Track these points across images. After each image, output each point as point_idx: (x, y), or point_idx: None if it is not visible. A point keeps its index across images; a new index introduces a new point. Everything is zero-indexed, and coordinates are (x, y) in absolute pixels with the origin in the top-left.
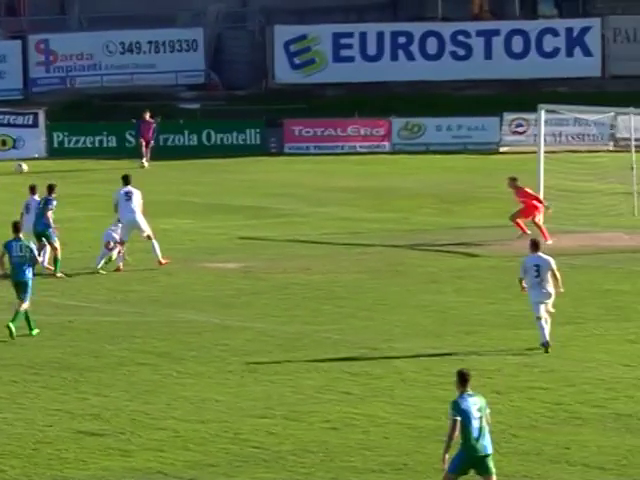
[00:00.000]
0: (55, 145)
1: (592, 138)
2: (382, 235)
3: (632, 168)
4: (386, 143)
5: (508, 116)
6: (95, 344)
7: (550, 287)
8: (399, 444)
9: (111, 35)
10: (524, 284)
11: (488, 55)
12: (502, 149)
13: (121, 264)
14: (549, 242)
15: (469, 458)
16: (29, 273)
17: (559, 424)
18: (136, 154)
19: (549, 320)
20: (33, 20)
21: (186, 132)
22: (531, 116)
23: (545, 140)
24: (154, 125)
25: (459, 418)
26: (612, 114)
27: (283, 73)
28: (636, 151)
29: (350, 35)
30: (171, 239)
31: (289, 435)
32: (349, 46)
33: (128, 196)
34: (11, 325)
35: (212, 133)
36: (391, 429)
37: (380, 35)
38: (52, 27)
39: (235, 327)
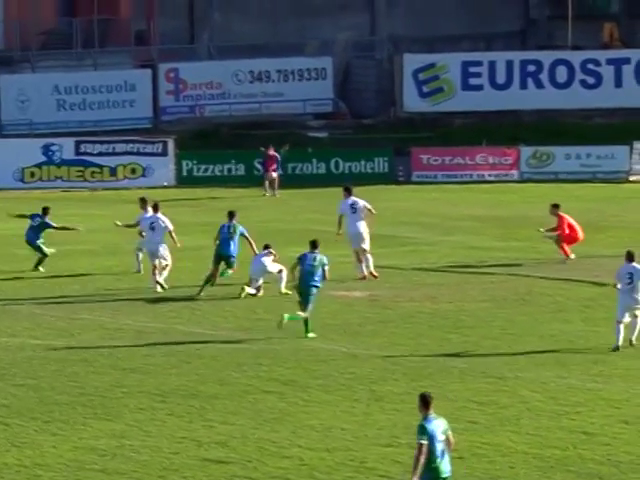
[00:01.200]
0: (184, 173)
1: None
2: (509, 264)
3: None
4: (514, 171)
5: (638, 145)
6: (221, 372)
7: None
8: (525, 474)
9: (240, 64)
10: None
11: (618, 83)
12: (632, 178)
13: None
14: (572, 257)
15: None
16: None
17: None
18: (262, 182)
19: (638, 324)
20: (163, 49)
21: (314, 160)
22: None
23: None
24: (278, 158)
25: (426, 442)
26: None
27: (411, 101)
28: None
29: (479, 63)
30: None
31: None
32: (478, 74)
33: (354, 208)
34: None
35: (340, 161)
36: (517, 459)
37: (509, 63)
38: (182, 56)
39: (361, 355)
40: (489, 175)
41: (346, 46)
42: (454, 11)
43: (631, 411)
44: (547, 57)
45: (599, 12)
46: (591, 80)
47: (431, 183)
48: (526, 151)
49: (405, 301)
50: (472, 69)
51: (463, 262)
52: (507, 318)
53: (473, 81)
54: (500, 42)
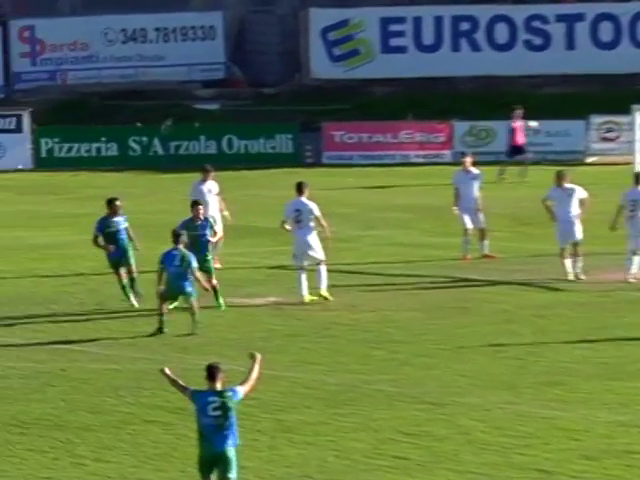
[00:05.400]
0: (43, 154)
1: None
2: (445, 264)
3: None
4: (447, 151)
5: (596, 119)
6: (94, 397)
7: None
8: None
9: (110, 21)
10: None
11: (570, 45)
12: (589, 159)
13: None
14: None
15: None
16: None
17: None
18: (140, 164)
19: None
20: (16, 2)
21: (202, 138)
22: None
23: None
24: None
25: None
26: None
27: (321, 67)
28: None
29: (402, 20)
30: None
31: None
32: (401, 33)
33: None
34: None
35: (234, 139)
36: None
37: (438, 20)
38: (38, 10)
39: (266, 377)
40: (416, 156)
41: None
42: None
43: (594, 444)
44: (484, 12)
45: None
46: (537, 40)
47: (346, 166)
48: (460, 126)
49: (318, 310)
50: (393, 27)
51: (389, 262)
52: (443, 331)
53: (395, 42)
54: None
